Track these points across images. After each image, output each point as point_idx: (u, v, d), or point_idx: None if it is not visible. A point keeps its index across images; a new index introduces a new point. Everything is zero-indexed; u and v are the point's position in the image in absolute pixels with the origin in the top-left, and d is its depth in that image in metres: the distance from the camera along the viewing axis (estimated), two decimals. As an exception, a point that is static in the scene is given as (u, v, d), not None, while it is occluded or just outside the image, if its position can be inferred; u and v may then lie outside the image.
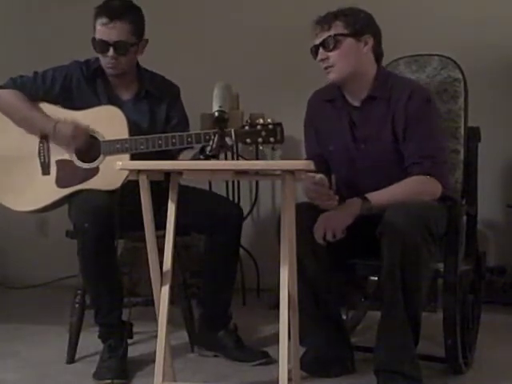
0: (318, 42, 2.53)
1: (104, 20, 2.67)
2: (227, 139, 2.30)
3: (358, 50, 2.51)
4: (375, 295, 2.92)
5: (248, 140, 2.30)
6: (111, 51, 2.68)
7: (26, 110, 2.72)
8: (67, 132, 2.66)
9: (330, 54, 2.51)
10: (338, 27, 2.51)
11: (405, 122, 2.49)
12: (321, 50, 2.52)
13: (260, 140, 2.28)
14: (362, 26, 2.51)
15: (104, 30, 2.67)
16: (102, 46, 2.69)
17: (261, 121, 2.29)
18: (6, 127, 2.75)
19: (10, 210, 2.75)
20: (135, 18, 2.73)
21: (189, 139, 2.53)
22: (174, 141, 2.55)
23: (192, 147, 2.60)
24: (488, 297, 3.33)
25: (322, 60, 2.53)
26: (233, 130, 2.33)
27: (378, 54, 2.57)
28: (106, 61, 2.72)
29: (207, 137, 2.46)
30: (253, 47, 4.02)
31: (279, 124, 2.28)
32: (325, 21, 2.52)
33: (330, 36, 2.50)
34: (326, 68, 2.53)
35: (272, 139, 2.27)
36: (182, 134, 2.55)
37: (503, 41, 3.72)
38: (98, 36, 2.69)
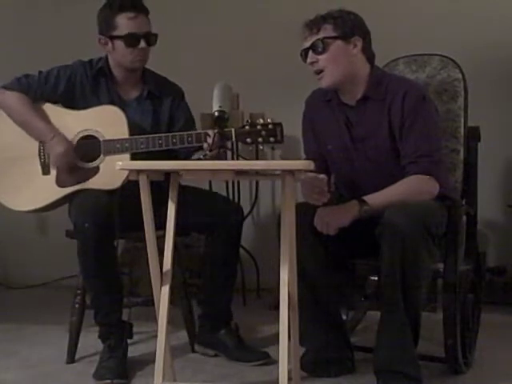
0: (307, 45, 2.53)
1: (131, 14, 2.68)
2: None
3: (347, 52, 2.51)
4: (375, 295, 2.92)
5: (248, 140, 2.30)
6: (143, 43, 2.70)
7: (28, 116, 2.71)
8: (56, 150, 2.65)
9: (320, 57, 2.51)
10: (327, 30, 2.50)
11: (401, 121, 2.49)
12: (310, 53, 2.52)
13: (260, 140, 2.28)
14: (350, 28, 2.51)
15: (133, 23, 2.69)
16: (133, 39, 2.69)
17: (261, 120, 2.29)
18: (7, 127, 2.75)
19: (10, 209, 2.75)
20: (148, 11, 2.76)
21: (189, 139, 2.52)
22: (174, 140, 2.54)
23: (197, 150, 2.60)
24: (488, 297, 3.33)
25: (312, 63, 2.53)
26: (233, 130, 2.33)
27: (369, 55, 2.57)
28: (134, 54, 2.72)
29: (207, 136, 2.46)
30: (253, 47, 4.02)
31: (279, 124, 2.28)
32: (313, 24, 2.52)
33: (318, 39, 2.50)
34: (316, 72, 2.53)
35: (272, 139, 2.28)
36: (182, 134, 2.54)
37: (503, 41, 3.72)
38: (126, 31, 2.69)
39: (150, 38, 2.73)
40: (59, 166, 2.67)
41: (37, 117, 2.72)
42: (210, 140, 2.38)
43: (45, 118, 2.73)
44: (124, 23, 2.69)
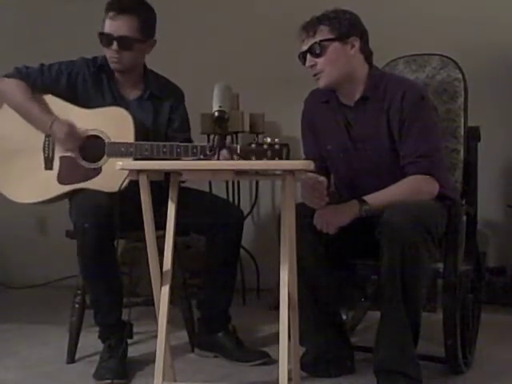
0: (304, 48, 2.53)
1: (111, 14, 2.68)
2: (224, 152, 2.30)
3: (345, 53, 2.51)
4: (375, 295, 2.92)
5: (253, 158, 2.28)
6: (115, 45, 2.69)
7: (26, 102, 2.70)
8: (61, 133, 2.65)
9: (318, 60, 2.50)
10: (323, 32, 2.50)
11: (399, 121, 2.48)
12: (308, 56, 2.52)
13: (265, 160, 2.26)
14: (347, 28, 2.50)
15: (110, 24, 2.69)
16: (106, 39, 2.70)
17: (268, 140, 2.27)
18: (11, 120, 2.74)
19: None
20: (144, 15, 2.73)
21: (194, 150, 2.51)
22: (178, 150, 2.53)
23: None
24: (488, 297, 3.33)
25: (311, 66, 2.53)
26: (238, 147, 2.32)
27: (366, 54, 2.56)
28: (109, 54, 2.73)
29: (212, 150, 2.45)
30: (253, 47, 4.03)
31: (286, 145, 2.25)
32: (309, 26, 2.51)
33: (315, 42, 2.49)
34: (314, 75, 2.53)
35: (277, 159, 2.26)
36: (187, 145, 2.53)
37: (503, 41, 3.72)
38: (103, 29, 2.71)
39: (124, 42, 2.69)
40: (69, 149, 2.66)
41: (36, 104, 2.70)
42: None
43: (45, 105, 2.72)
44: (106, 22, 2.71)
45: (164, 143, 2.57)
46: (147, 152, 2.57)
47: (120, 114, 2.69)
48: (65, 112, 2.72)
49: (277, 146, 2.23)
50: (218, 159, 2.30)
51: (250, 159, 2.26)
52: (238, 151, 2.29)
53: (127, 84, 2.83)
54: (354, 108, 2.57)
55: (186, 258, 3.37)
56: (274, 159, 2.22)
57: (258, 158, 2.24)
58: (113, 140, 2.65)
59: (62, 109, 2.73)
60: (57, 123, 2.66)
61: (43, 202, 2.73)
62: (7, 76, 2.75)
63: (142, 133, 2.67)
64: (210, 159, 2.40)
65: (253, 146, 2.25)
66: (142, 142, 2.60)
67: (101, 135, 2.68)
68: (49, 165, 2.72)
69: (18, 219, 3.70)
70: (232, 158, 2.29)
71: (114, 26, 2.68)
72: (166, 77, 2.92)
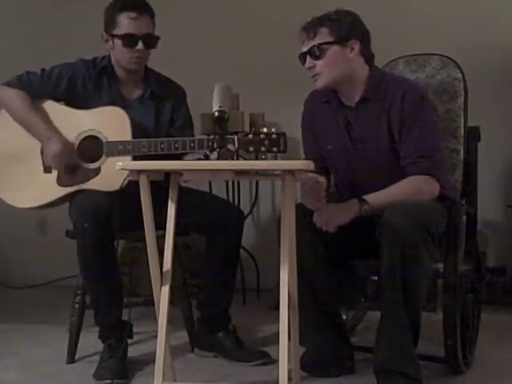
0: (304, 50, 2.53)
1: (132, 14, 2.68)
2: (230, 146, 2.30)
3: (344, 56, 2.50)
4: (375, 295, 2.92)
5: (251, 148, 2.27)
6: (140, 44, 2.70)
7: (26, 115, 2.71)
8: (51, 151, 2.65)
9: (317, 62, 2.50)
10: (323, 34, 2.49)
11: (400, 122, 2.48)
12: (308, 58, 2.52)
13: (263, 149, 2.26)
14: (346, 31, 2.49)
15: (133, 24, 2.69)
16: (131, 39, 2.70)
17: (264, 129, 2.27)
18: (10, 125, 2.75)
19: (10, 208, 2.75)
20: (153, 13, 2.76)
21: (191, 144, 2.52)
22: (176, 145, 2.53)
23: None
24: (488, 297, 3.33)
25: (310, 68, 2.53)
26: (236, 138, 2.31)
27: (367, 56, 2.56)
28: (131, 55, 2.73)
29: (210, 143, 2.45)
30: (253, 47, 4.03)
31: (283, 134, 2.26)
32: (310, 28, 2.51)
33: (314, 45, 2.49)
34: (313, 76, 2.54)
35: (275, 149, 2.25)
36: (184, 139, 2.53)
37: (503, 41, 3.72)
38: (124, 31, 2.70)
39: (149, 41, 2.73)
40: (54, 166, 2.67)
41: (35, 115, 2.71)
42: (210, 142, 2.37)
43: (44, 116, 2.73)
44: (124, 23, 2.70)
45: (161, 139, 2.57)
46: (145, 149, 2.57)
47: (116, 113, 2.68)
48: (63, 116, 2.73)
49: (274, 136, 2.23)
50: (218, 158, 2.30)
51: (247, 150, 2.26)
52: (236, 143, 2.29)
53: (129, 84, 2.83)
54: (355, 109, 2.57)
55: (186, 258, 3.37)
56: (271, 148, 2.22)
57: (255, 149, 2.24)
58: (110, 139, 2.65)
59: (60, 114, 2.74)
60: (51, 141, 2.66)
61: (44, 206, 2.73)
62: (7, 84, 2.75)
63: (143, 132, 2.67)
64: (210, 158, 2.40)
65: (250, 136, 2.25)
66: (140, 139, 2.60)
67: (98, 135, 2.68)
68: (48, 168, 2.72)
69: (18, 219, 3.70)
70: (228, 149, 2.29)
71: (138, 25, 2.69)
72: (167, 76, 2.92)
